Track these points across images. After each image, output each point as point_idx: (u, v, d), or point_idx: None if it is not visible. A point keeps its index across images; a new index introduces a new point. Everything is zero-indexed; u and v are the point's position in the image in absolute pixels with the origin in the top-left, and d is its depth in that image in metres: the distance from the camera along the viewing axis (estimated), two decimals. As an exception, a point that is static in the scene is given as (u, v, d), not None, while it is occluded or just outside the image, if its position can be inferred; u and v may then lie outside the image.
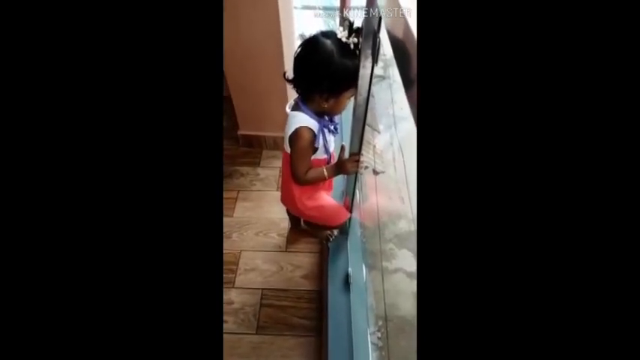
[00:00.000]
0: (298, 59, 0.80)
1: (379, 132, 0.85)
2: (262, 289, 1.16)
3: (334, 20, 1.58)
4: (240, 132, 1.54)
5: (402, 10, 0.35)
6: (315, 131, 0.82)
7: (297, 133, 0.80)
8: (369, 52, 0.62)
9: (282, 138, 0.91)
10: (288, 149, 0.85)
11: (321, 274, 1.17)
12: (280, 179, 1.02)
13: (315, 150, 0.86)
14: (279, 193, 1.43)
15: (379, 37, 0.58)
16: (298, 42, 0.82)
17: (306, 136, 0.81)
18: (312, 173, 0.86)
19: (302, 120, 0.80)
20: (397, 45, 0.37)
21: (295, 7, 1.30)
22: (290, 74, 0.84)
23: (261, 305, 1.12)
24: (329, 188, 1.04)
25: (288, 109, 0.85)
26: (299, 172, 0.85)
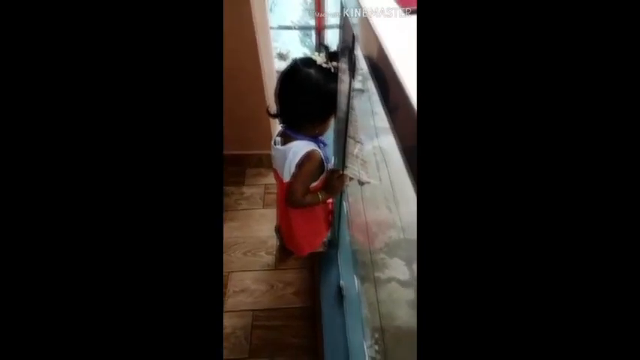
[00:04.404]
0: (284, 94, 0.79)
1: (362, 143, 0.86)
2: (253, 310, 1.13)
3: (311, 39, 1.62)
4: (224, 152, 1.53)
5: (374, 26, 0.36)
6: (322, 153, 0.83)
7: (309, 155, 0.80)
8: (346, 67, 0.64)
9: (267, 155, 0.91)
10: (286, 179, 0.84)
11: (313, 289, 1.16)
12: (282, 225, 1.06)
13: (322, 172, 0.86)
14: (265, 211, 1.42)
15: (355, 53, 0.60)
16: (276, 60, 0.83)
17: (318, 157, 0.81)
18: (309, 197, 0.86)
19: (308, 145, 0.81)
20: (372, 61, 0.38)
21: (272, 28, 1.32)
22: (273, 109, 0.84)
23: (253, 327, 1.09)
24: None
25: (277, 146, 0.84)
26: (298, 194, 0.83)
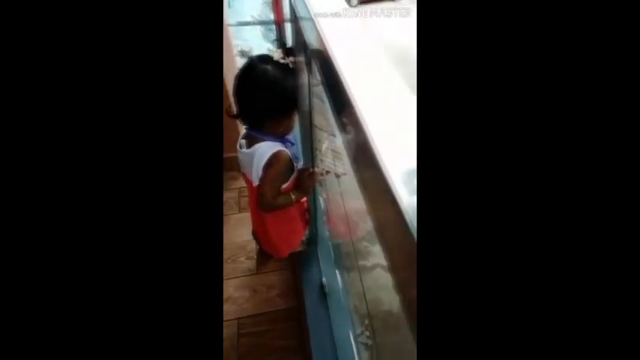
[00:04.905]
0: (243, 93, 0.76)
1: (334, 135, 0.85)
2: (238, 318, 1.09)
3: (274, 33, 1.59)
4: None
5: (319, 27, 0.36)
6: (289, 153, 0.80)
7: (276, 156, 0.76)
8: (303, 62, 0.63)
9: (237, 158, 0.88)
10: (256, 182, 0.80)
11: (296, 289, 1.14)
12: (258, 230, 1.04)
13: (292, 172, 0.83)
14: (241, 215, 1.38)
15: (309, 48, 0.59)
16: (238, 58, 0.80)
17: (285, 157, 0.78)
18: (281, 199, 0.82)
19: (274, 145, 0.77)
20: (319, 60, 0.38)
21: (230, 25, 1.29)
22: (233, 109, 0.81)
23: (239, 335, 1.05)
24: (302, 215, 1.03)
25: (243, 149, 0.81)
26: (269, 197, 0.79)
